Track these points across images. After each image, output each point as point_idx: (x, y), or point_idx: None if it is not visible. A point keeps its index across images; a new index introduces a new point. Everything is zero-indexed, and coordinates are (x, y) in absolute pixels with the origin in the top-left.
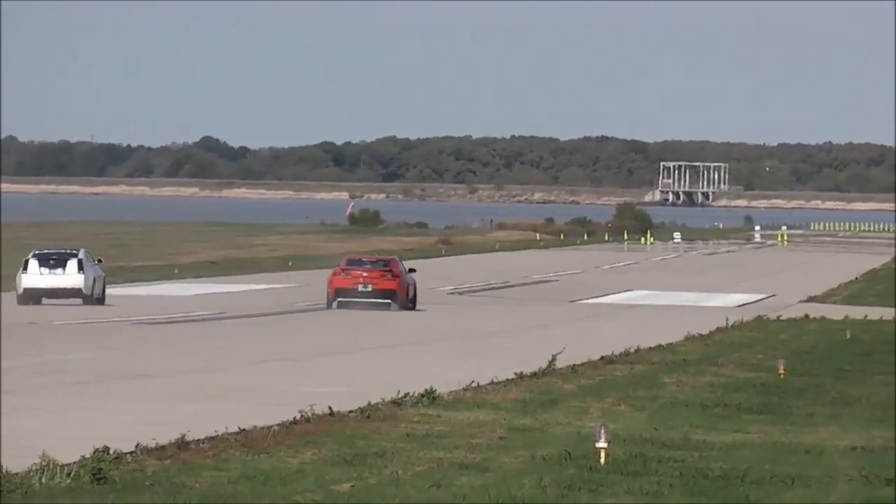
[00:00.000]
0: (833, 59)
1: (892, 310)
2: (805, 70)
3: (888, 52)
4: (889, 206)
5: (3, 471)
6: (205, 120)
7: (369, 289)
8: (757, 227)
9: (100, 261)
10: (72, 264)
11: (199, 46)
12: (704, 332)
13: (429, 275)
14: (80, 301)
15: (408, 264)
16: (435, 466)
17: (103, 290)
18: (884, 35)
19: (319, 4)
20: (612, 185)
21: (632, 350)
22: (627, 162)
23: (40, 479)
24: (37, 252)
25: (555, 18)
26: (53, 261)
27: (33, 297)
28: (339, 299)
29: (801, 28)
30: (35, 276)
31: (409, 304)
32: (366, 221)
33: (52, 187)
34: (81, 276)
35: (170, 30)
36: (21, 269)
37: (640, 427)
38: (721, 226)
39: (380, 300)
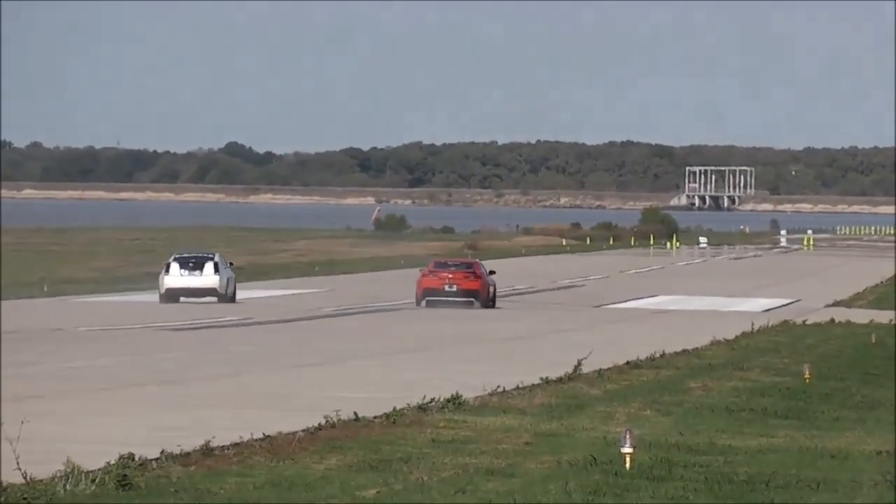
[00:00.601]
0: (859, 62)
1: None
2: (831, 74)
3: None
4: None
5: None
6: (230, 125)
7: (455, 289)
8: (783, 232)
9: (231, 264)
10: (209, 267)
11: (225, 51)
12: (730, 336)
13: None
14: (215, 299)
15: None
16: (461, 472)
17: (234, 290)
18: None
19: (345, 8)
20: (637, 190)
21: (658, 355)
22: (653, 167)
23: (65, 485)
24: (177, 256)
25: (579, 22)
26: (192, 263)
27: (173, 296)
28: (428, 298)
29: (827, 31)
30: (176, 277)
31: (490, 302)
32: (392, 226)
33: (78, 193)
34: (217, 277)
35: (196, 35)
36: (163, 271)
37: (666, 432)
38: (747, 230)
39: (464, 299)
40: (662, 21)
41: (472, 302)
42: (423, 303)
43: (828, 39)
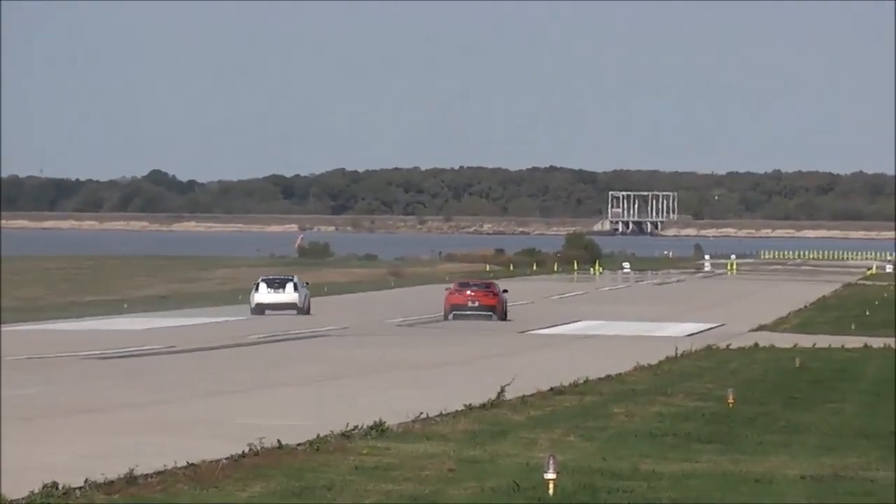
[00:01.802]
0: (780, 87)
1: (841, 338)
2: (753, 99)
3: (833, 81)
4: (835, 233)
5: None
6: (153, 153)
7: (476, 304)
8: (706, 256)
9: (307, 283)
10: (290, 286)
11: (148, 79)
12: (654, 361)
13: (378, 306)
14: (294, 312)
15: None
16: (384, 499)
17: (309, 305)
18: (829, 64)
19: (266, 38)
20: (561, 215)
21: (581, 381)
22: (576, 192)
23: None
24: (264, 278)
25: (501, 49)
26: (277, 283)
27: (261, 310)
28: (454, 312)
29: (747, 58)
30: (264, 294)
31: (504, 315)
32: (315, 253)
33: (3, 222)
34: (296, 294)
35: (118, 62)
36: (254, 289)
37: (590, 457)
38: (670, 255)
39: (483, 312)
40: (584, 46)
41: (490, 315)
42: (451, 316)
43: (749, 63)
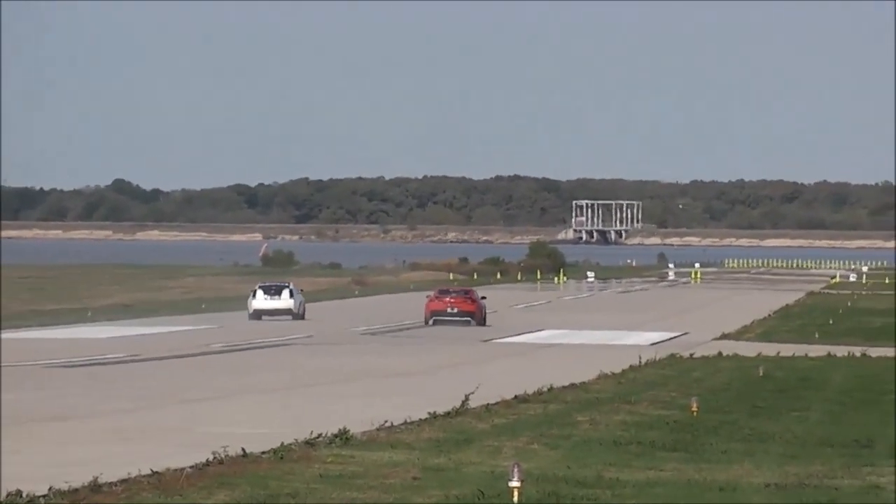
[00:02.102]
0: (744, 96)
1: (805, 346)
2: (716, 107)
3: (797, 90)
4: (799, 241)
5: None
6: (117, 162)
7: (455, 311)
8: (670, 265)
9: (302, 290)
10: (285, 293)
11: (111, 87)
12: (617, 370)
13: (342, 315)
14: (290, 318)
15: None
16: None
17: (304, 311)
18: (793, 73)
19: (230, 46)
20: (525, 224)
21: (545, 389)
22: (540, 200)
23: None
24: (261, 285)
25: (463, 58)
26: (273, 290)
27: (258, 315)
28: (435, 318)
29: (710, 65)
30: (261, 301)
31: (482, 321)
32: (280, 262)
33: None
34: (292, 301)
35: (80, 71)
36: (251, 295)
37: (554, 466)
38: (634, 264)
39: (463, 318)
40: (548, 54)
41: (469, 321)
42: (431, 321)
43: (713, 73)
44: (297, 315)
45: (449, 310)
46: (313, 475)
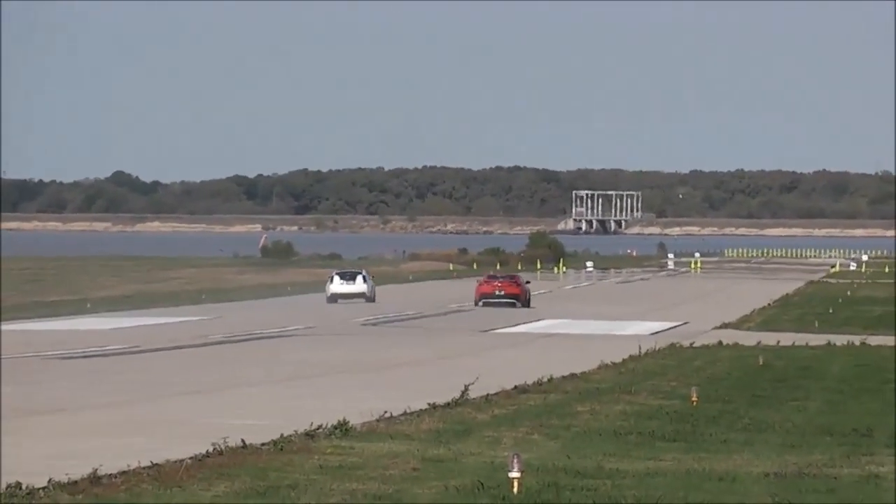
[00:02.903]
0: (742, 86)
1: (805, 335)
2: (716, 96)
3: (796, 80)
4: (799, 231)
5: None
6: (116, 154)
7: (502, 293)
8: (670, 255)
9: (373, 276)
10: (359, 278)
11: (110, 79)
12: (617, 360)
13: (342, 306)
14: (363, 300)
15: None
16: (348, 498)
17: (375, 294)
18: (791, 64)
19: (229, 36)
20: (524, 215)
21: (545, 379)
22: (540, 191)
23: None
24: (337, 271)
25: (463, 48)
26: (348, 276)
27: (335, 299)
28: (484, 300)
29: (709, 56)
30: (337, 285)
31: (527, 303)
32: (279, 253)
33: None
34: (365, 285)
35: (79, 63)
36: (328, 281)
37: (554, 456)
38: (634, 253)
39: (509, 300)
40: (546, 45)
41: (514, 303)
42: (481, 303)
43: (711, 63)
44: (370, 298)
45: (497, 293)
46: (313, 466)
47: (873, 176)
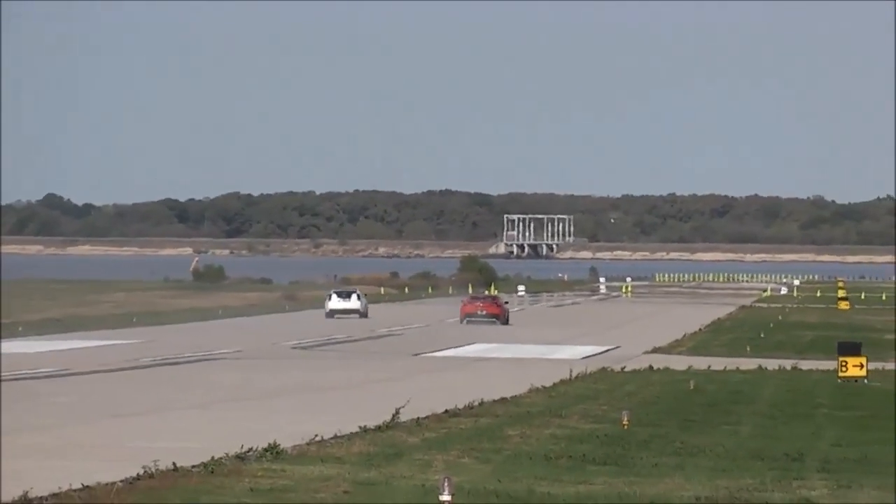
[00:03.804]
0: (675, 109)
1: (736, 360)
2: (648, 121)
3: (728, 103)
4: (730, 255)
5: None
6: (49, 177)
7: (484, 313)
8: (602, 279)
9: (366, 295)
10: (354, 296)
11: (43, 102)
12: (548, 384)
13: (273, 330)
14: (357, 316)
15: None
16: None
17: (367, 311)
18: (721, 86)
19: (160, 59)
20: (456, 239)
21: (476, 403)
22: (472, 215)
23: None
24: (335, 290)
25: (393, 72)
26: (345, 294)
27: (332, 314)
28: (468, 319)
29: (642, 81)
30: (335, 303)
31: (506, 321)
32: (210, 277)
33: None
34: (359, 303)
35: (11, 85)
36: (327, 298)
37: (485, 479)
38: (566, 278)
39: (490, 319)
40: (477, 68)
41: (494, 321)
42: (465, 321)
43: (643, 85)
44: (363, 314)
45: (479, 312)
46: (244, 489)
47: (805, 200)
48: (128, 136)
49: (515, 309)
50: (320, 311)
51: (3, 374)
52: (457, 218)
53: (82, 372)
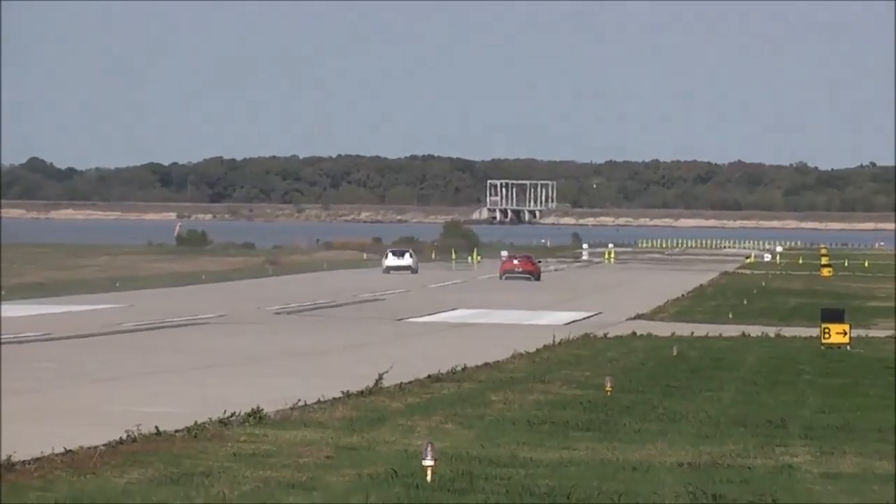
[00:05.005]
0: (658, 76)
1: (719, 326)
2: (630, 87)
3: (712, 70)
4: (713, 222)
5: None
6: (31, 141)
7: (521, 270)
8: (584, 245)
9: (417, 252)
10: (407, 255)
11: (25, 65)
12: (531, 349)
13: (256, 294)
14: (409, 272)
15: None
16: (262, 486)
17: (418, 268)
18: (705, 54)
19: (145, 27)
20: (439, 204)
21: (459, 368)
22: (455, 180)
23: None
24: (391, 249)
25: (380, 38)
26: (399, 253)
27: (388, 271)
28: (506, 275)
29: (625, 46)
30: (391, 260)
31: (538, 278)
32: (193, 242)
33: None
34: (411, 260)
35: None
36: (384, 257)
37: (468, 445)
38: (548, 244)
39: (525, 275)
40: (463, 35)
41: (529, 277)
42: (504, 277)
43: (625, 53)
44: (415, 270)
45: (516, 269)
46: (227, 454)
47: (788, 168)
48: (111, 100)
49: (499, 274)
50: (305, 275)
51: None
52: (440, 183)
53: (65, 336)
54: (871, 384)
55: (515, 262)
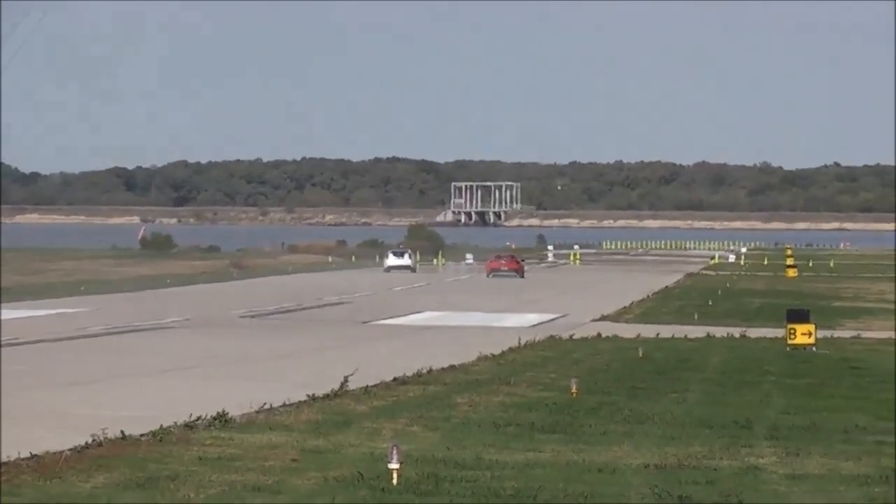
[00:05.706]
0: (622, 76)
1: (684, 327)
2: (595, 87)
3: (675, 70)
4: (678, 223)
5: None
6: None
7: (506, 269)
8: (550, 247)
9: (417, 252)
10: (406, 255)
11: None
12: (497, 352)
13: (221, 298)
14: (409, 271)
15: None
16: (227, 489)
17: (416, 266)
18: (668, 54)
19: (109, 29)
20: (403, 206)
21: (424, 371)
22: (419, 182)
23: None
24: (391, 250)
25: (343, 41)
26: (399, 253)
27: (389, 270)
28: (493, 274)
29: (591, 48)
30: (392, 260)
31: (522, 275)
32: (158, 245)
33: None
34: (410, 260)
35: None
36: (385, 257)
37: (433, 447)
38: (513, 245)
39: (510, 273)
40: (427, 37)
41: (514, 275)
42: (490, 276)
43: (590, 54)
44: (413, 269)
45: (502, 268)
46: (192, 457)
47: (752, 168)
48: (75, 103)
49: (464, 277)
50: (270, 278)
51: None
52: (404, 185)
53: (30, 341)
54: (836, 385)
55: (502, 261)
